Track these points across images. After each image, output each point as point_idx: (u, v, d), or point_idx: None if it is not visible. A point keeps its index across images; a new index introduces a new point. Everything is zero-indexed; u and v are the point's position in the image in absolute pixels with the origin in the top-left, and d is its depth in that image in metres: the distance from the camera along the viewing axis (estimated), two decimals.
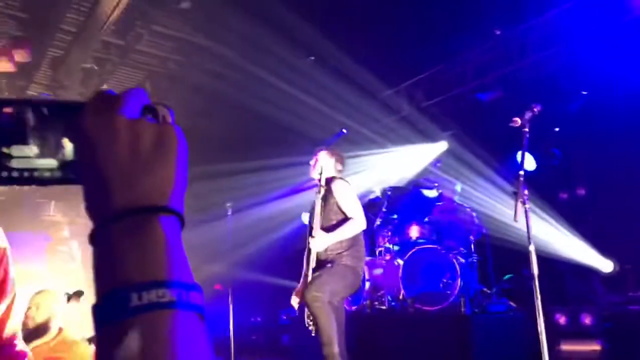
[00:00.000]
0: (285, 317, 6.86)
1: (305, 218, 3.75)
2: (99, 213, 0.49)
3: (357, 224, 3.35)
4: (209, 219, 6.44)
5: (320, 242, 3.23)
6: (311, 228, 3.43)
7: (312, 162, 3.64)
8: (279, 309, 7.21)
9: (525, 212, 2.62)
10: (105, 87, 7.54)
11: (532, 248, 2.56)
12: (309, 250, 3.33)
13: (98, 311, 0.45)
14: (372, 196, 5.78)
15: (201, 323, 0.48)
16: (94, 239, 0.48)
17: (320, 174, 3.47)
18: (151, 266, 0.46)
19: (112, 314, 0.44)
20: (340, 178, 3.37)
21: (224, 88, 7.00)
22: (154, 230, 0.48)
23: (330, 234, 3.26)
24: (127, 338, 0.42)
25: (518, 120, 2.82)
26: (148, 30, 6.40)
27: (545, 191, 5.78)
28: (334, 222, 3.32)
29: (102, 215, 0.48)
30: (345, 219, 3.34)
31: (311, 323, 3.20)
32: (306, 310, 3.26)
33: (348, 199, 3.38)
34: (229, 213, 5.03)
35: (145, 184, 0.49)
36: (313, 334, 3.22)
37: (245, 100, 7.04)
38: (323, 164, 3.52)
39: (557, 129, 6.00)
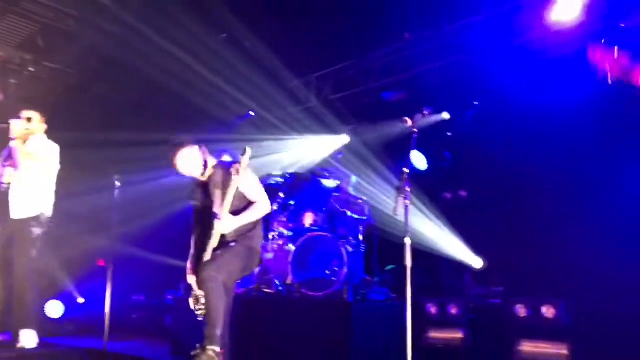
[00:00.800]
0: (170, 297, 6.67)
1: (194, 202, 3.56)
2: None
3: (264, 207, 3.37)
4: (96, 189, 6.06)
5: (228, 225, 3.18)
6: (205, 209, 3.36)
7: (181, 166, 3.40)
8: (164, 288, 7.01)
9: (406, 207, 2.78)
10: None
11: (407, 241, 2.73)
12: (208, 232, 3.24)
13: None
14: (271, 181, 5.80)
15: None
16: None
17: (205, 167, 3.41)
18: None
19: None
20: (235, 162, 3.28)
21: (126, 54, 6.59)
22: None
23: (238, 217, 3.23)
24: None
25: (408, 120, 2.99)
26: None
27: (432, 190, 6.21)
28: (238, 207, 3.29)
29: None
30: (250, 203, 3.32)
31: (201, 307, 3.13)
32: (193, 291, 3.19)
33: (252, 184, 3.37)
34: (117, 185, 4.77)
35: None
36: (200, 318, 3.16)
37: (148, 71, 6.69)
38: (201, 158, 3.42)
39: (449, 134, 6.43)
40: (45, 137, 4.44)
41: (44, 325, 6.72)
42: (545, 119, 5.49)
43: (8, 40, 7.12)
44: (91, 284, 7.15)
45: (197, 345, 3.04)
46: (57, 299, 7.36)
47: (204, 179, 3.43)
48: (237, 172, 3.16)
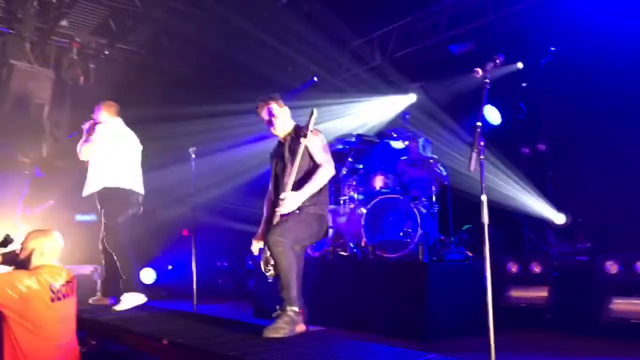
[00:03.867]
0: (250, 262, 6.97)
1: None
2: None
3: (327, 171, 3.34)
4: (173, 162, 6.36)
5: (291, 204, 3.22)
6: (279, 173, 3.41)
7: (264, 117, 3.41)
8: (245, 254, 7.32)
9: (480, 163, 2.65)
10: (64, 22, 7.17)
11: (484, 198, 2.61)
12: (279, 192, 3.31)
13: None
14: (338, 146, 5.79)
15: None
16: None
17: (286, 126, 3.41)
18: None
19: None
20: (309, 117, 3.27)
21: (191, 29, 6.75)
22: None
23: (300, 192, 3.23)
24: None
25: (479, 71, 2.80)
26: None
27: (508, 145, 5.91)
28: (305, 170, 3.31)
29: None
30: (315, 167, 3.33)
31: (270, 268, 3.23)
32: (263, 255, 3.29)
33: (319, 146, 3.36)
34: (193, 157, 4.97)
35: None
36: (270, 280, 3.27)
37: (214, 43, 6.82)
38: (282, 117, 3.43)
39: (524, 84, 6.05)
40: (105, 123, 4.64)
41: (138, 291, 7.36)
42: (630, 61, 4.99)
43: (83, 26, 7.51)
44: (178, 252, 7.62)
45: (277, 307, 3.16)
46: (149, 266, 7.95)
47: (282, 138, 3.45)
48: (305, 135, 3.17)
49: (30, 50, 7.39)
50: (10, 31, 7.20)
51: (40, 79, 7.39)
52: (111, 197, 4.43)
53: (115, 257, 4.45)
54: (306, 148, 3.26)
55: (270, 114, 3.40)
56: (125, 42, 7.97)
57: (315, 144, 3.33)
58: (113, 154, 4.50)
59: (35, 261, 2.95)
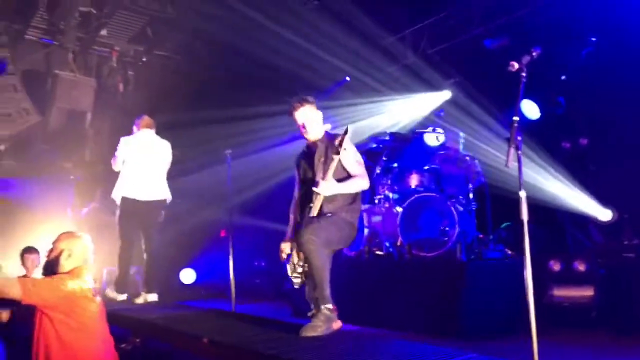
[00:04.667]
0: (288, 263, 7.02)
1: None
2: None
3: (364, 182, 3.34)
4: (209, 164, 6.47)
5: (329, 187, 3.19)
6: (308, 179, 3.40)
7: (297, 119, 3.37)
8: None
9: (518, 158, 2.59)
10: (104, 32, 7.42)
11: (522, 194, 2.55)
12: (308, 200, 3.30)
13: None
14: (372, 145, 5.77)
15: None
16: None
17: (318, 129, 3.40)
18: None
19: None
20: (344, 134, 3.23)
21: (224, 33, 6.85)
22: None
23: (339, 183, 3.24)
24: None
25: (515, 65, 2.73)
26: None
27: (548, 140, 5.75)
28: (338, 178, 3.29)
29: None
30: (349, 176, 3.32)
31: (297, 275, 3.21)
32: (290, 260, 3.27)
33: (354, 160, 3.34)
34: (229, 159, 5.05)
35: None
36: (296, 286, 3.26)
37: (247, 46, 6.91)
38: (316, 121, 3.38)
39: (563, 77, 5.87)
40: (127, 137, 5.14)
41: (179, 291, 7.56)
42: None
43: (121, 35, 7.76)
44: (217, 253, 7.76)
45: (312, 307, 3.17)
46: (189, 267, 8.13)
47: (313, 142, 3.44)
48: (338, 152, 3.14)
49: (73, 60, 7.68)
50: (54, 42, 7.51)
51: (83, 87, 7.66)
52: (119, 206, 5.00)
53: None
54: (339, 162, 3.25)
55: (305, 117, 3.36)
56: (162, 48, 8.18)
57: (349, 159, 3.31)
58: (127, 164, 4.97)
59: (63, 262, 3.04)
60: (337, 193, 3.25)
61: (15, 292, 2.74)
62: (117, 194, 4.99)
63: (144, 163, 4.97)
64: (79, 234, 3.21)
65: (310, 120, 3.37)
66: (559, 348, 3.86)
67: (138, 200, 4.92)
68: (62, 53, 7.60)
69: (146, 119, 5.12)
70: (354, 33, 6.82)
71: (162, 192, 5.07)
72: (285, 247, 3.41)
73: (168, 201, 5.15)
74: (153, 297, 4.93)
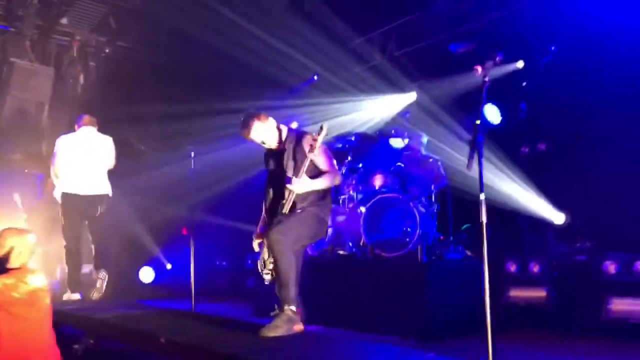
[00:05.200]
0: (250, 262, 6.96)
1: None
2: None
3: (336, 178, 3.35)
4: (172, 160, 6.34)
5: (303, 184, 3.19)
6: (278, 176, 3.38)
7: (251, 140, 3.37)
8: (245, 253, 7.30)
9: (480, 161, 2.63)
10: (64, 20, 7.16)
11: (482, 197, 2.60)
12: (279, 198, 3.28)
13: None
14: (338, 145, 5.78)
15: None
16: None
17: (280, 137, 3.39)
18: None
19: None
20: (319, 132, 3.22)
21: (191, 27, 6.72)
22: None
23: (312, 180, 3.23)
24: None
25: (479, 69, 2.79)
26: None
27: (508, 145, 5.90)
28: (310, 176, 3.28)
29: None
30: (321, 173, 3.32)
31: (267, 272, 3.21)
32: (261, 257, 3.27)
33: (326, 157, 3.34)
34: (192, 155, 4.96)
35: None
36: (266, 282, 3.26)
37: (214, 41, 6.79)
38: (269, 131, 3.36)
39: (524, 84, 6.04)
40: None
41: (138, 289, 7.36)
42: (631, 59, 4.96)
43: (83, 24, 7.49)
44: (177, 251, 7.61)
45: (276, 306, 3.15)
46: (148, 265, 7.93)
47: (276, 147, 3.42)
48: (313, 149, 3.13)
49: (31, 49, 7.38)
50: (11, 29, 7.19)
51: (41, 77, 7.37)
52: (61, 202, 5.01)
53: None
54: (311, 161, 3.25)
55: (258, 135, 3.34)
56: (125, 39, 7.95)
57: (322, 158, 3.31)
58: (61, 163, 4.97)
59: (13, 259, 3.00)
60: (310, 190, 3.25)
61: None
62: (58, 192, 5.01)
63: (84, 159, 4.99)
64: (24, 231, 3.19)
65: (264, 134, 3.37)
66: (515, 348, 3.96)
67: (79, 195, 4.92)
68: (19, 40, 7.29)
69: (86, 118, 5.19)
70: (323, 32, 6.81)
71: (103, 186, 5.08)
72: (255, 244, 3.43)
73: (109, 196, 5.14)
74: (102, 274, 4.95)
